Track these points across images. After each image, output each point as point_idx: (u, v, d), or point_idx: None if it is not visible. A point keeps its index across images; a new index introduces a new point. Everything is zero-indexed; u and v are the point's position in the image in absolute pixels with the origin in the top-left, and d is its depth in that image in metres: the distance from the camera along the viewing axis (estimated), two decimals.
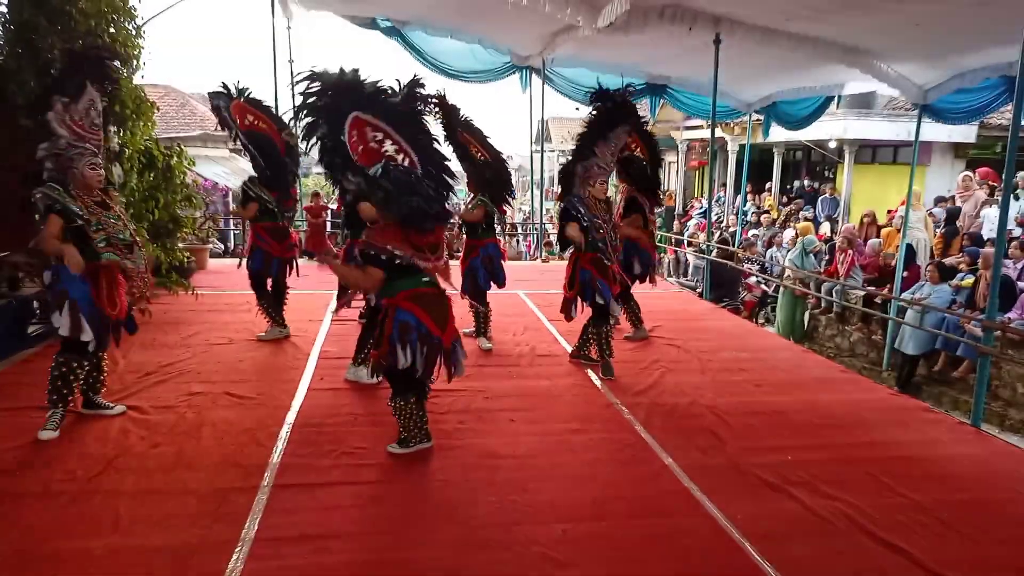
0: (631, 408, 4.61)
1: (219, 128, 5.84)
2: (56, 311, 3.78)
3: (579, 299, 5.20)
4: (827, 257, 11.24)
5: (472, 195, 5.85)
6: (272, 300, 5.90)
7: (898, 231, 10.15)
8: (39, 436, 3.77)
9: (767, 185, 18.05)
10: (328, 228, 12.42)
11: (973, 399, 5.17)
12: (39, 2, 5.57)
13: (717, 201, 17.75)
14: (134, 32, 6.38)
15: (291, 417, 4.24)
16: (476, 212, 5.67)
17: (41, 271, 5.63)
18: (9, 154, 5.67)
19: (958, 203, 11.49)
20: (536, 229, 14.61)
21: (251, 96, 5.71)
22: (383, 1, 9.74)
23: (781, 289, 10.74)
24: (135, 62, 6.39)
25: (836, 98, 10.93)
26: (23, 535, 2.92)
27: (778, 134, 13.50)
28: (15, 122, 5.49)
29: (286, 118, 5.83)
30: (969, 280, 8.52)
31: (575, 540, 3.06)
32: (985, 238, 9.66)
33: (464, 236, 5.94)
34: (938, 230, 10.97)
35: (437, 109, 5.46)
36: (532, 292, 7.91)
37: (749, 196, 16.70)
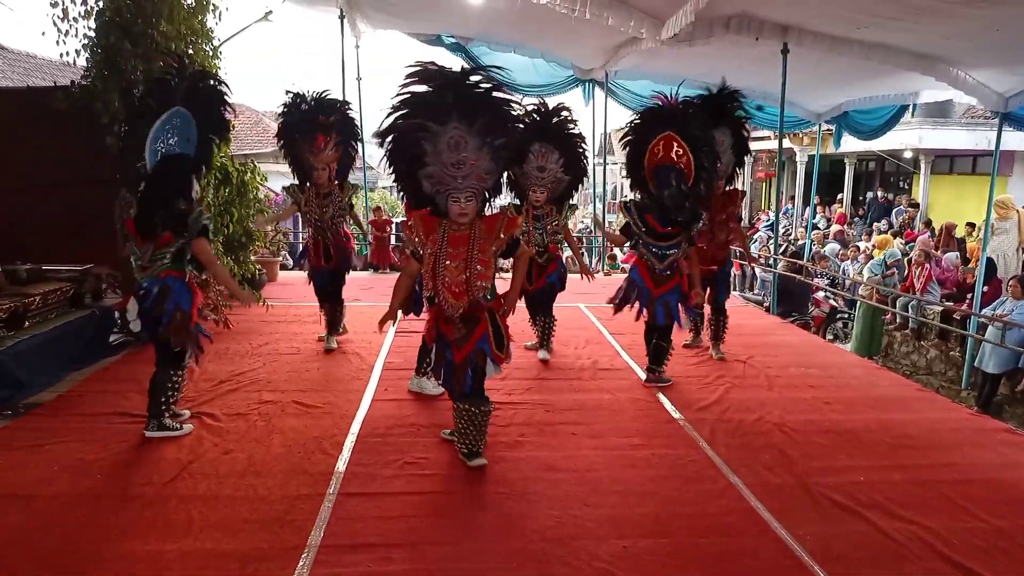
0: (695, 424, 4.53)
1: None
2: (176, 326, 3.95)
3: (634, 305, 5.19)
4: (905, 272, 10.86)
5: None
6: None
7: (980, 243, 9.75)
8: (184, 431, 4.09)
9: (838, 196, 17.59)
10: (392, 242, 12.61)
11: None
12: (124, 27, 5.87)
13: (785, 213, 17.36)
14: (211, 53, 6.65)
15: (356, 427, 4.32)
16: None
17: (123, 283, 5.95)
18: (93, 169, 6.02)
19: None
20: (598, 242, 14.54)
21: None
22: (447, 19, 9.91)
23: (859, 303, 10.41)
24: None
25: (911, 107, 10.60)
26: (102, 535, 3.05)
27: (850, 144, 13.14)
28: (101, 140, 5.81)
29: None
30: None
31: (636, 557, 3.02)
32: None
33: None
34: None
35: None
36: (593, 305, 7.87)
37: (819, 208, 16.29)
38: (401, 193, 3.82)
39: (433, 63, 3.43)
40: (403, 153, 3.51)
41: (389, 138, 3.51)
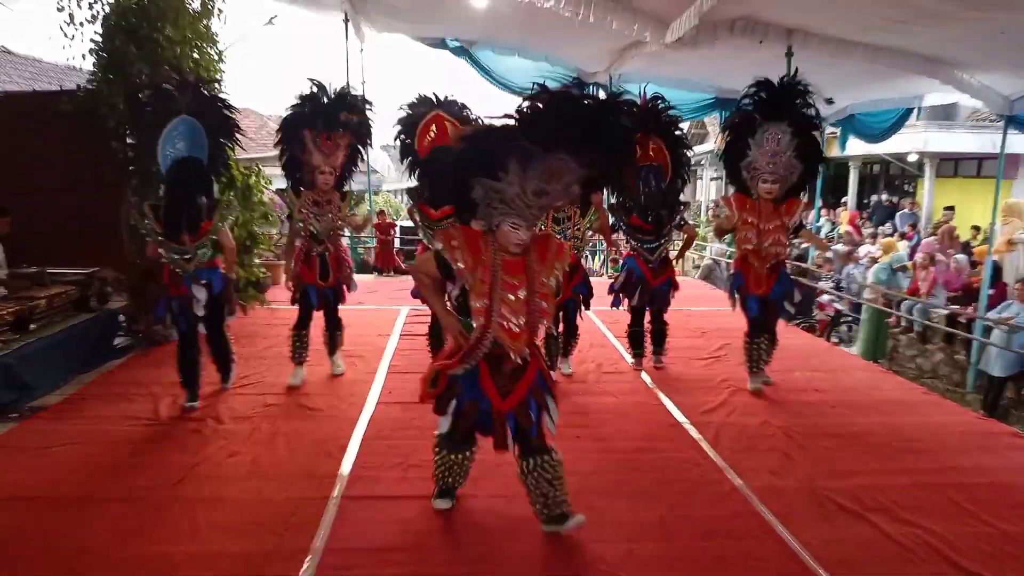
0: (699, 427, 4.52)
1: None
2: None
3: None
4: (910, 275, 10.83)
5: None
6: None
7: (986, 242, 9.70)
8: (226, 386, 4.95)
9: (843, 200, 17.54)
10: (397, 244, 12.64)
11: None
12: (129, 31, 5.90)
13: None
14: (216, 57, 6.67)
15: (360, 430, 4.32)
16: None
17: (130, 285, 5.96)
18: (98, 173, 6.04)
19: None
20: (603, 244, 14.53)
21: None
22: (451, 22, 9.92)
23: (864, 307, 10.37)
24: (217, 86, 6.67)
25: (916, 110, 10.57)
26: (108, 538, 3.06)
27: (855, 148, 13.11)
28: (106, 144, 5.83)
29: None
30: None
31: (641, 560, 3.01)
32: None
33: None
34: None
35: None
36: (598, 308, 7.85)
37: (823, 212, 16.22)
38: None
39: (575, 86, 2.95)
40: (480, 162, 2.85)
41: (469, 144, 2.96)
